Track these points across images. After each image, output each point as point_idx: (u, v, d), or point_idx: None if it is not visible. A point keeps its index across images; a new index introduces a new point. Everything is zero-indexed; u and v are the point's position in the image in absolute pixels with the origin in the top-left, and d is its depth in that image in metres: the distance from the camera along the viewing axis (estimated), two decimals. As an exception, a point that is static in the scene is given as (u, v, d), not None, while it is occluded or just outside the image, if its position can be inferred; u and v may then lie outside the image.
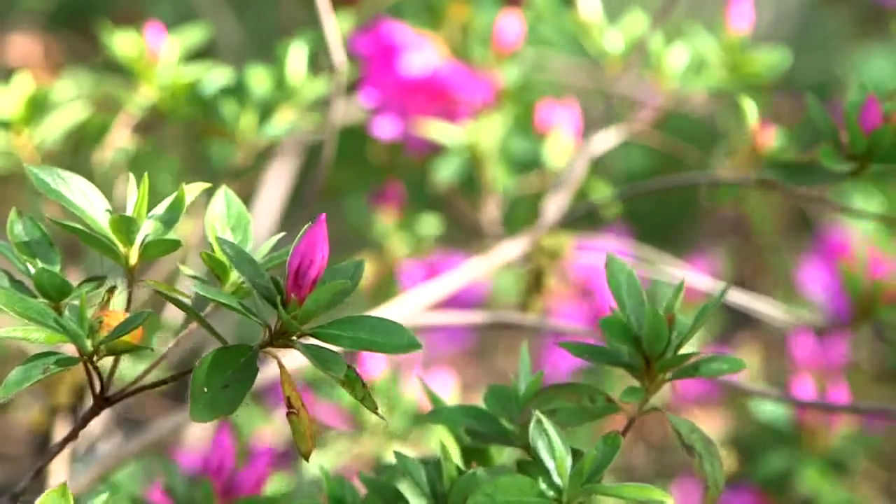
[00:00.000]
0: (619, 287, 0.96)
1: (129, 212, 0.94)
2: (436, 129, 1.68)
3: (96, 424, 1.64)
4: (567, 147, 1.70)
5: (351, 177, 1.90)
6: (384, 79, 1.74)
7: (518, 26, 1.71)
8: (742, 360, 0.95)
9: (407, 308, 1.49)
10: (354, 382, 0.88)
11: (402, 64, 1.72)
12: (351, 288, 0.89)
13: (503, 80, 1.72)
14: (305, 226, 0.88)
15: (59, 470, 1.49)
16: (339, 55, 1.47)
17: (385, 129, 1.74)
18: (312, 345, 0.88)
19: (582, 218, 1.58)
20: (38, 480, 0.99)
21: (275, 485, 1.50)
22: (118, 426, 1.69)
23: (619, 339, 0.95)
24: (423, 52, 1.73)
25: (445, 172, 1.69)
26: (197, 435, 1.77)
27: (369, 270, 1.80)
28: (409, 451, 1.51)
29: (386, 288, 1.80)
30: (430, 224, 1.81)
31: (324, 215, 0.88)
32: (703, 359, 0.95)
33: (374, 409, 0.88)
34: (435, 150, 1.72)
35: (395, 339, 0.88)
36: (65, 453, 1.50)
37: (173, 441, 1.70)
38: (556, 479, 0.91)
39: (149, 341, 0.94)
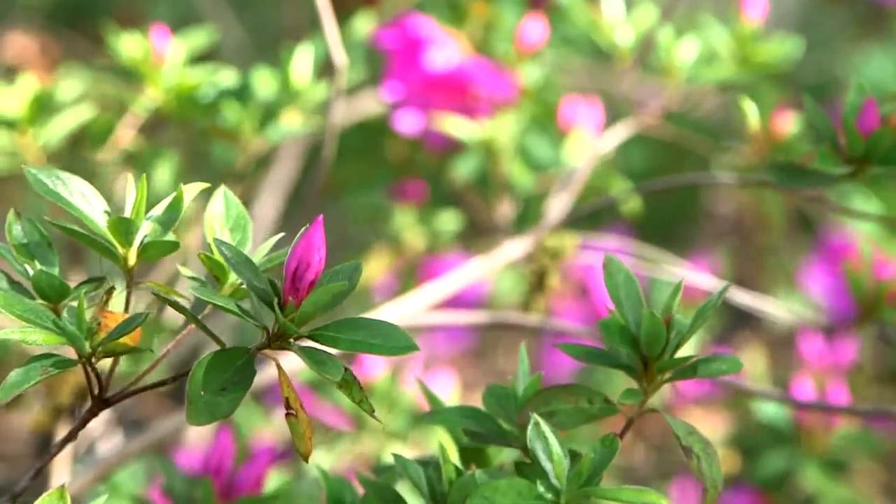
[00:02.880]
0: (616, 287, 0.96)
1: (128, 213, 0.94)
2: (453, 125, 1.68)
3: (97, 425, 1.64)
4: (588, 146, 1.70)
5: (365, 171, 1.90)
6: (408, 73, 1.74)
7: (541, 28, 1.71)
8: (740, 361, 0.95)
9: (409, 308, 1.49)
10: (351, 385, 0.88)
11: (426, 59, 1.72)
12: (348, 290, 0.88)
13: (524, 79, 1.72)
14: (303, 227, 0.88)
15: (60, 470, 1.49)
16: (339, 56, 1.47)
17: (407, 123, 1.74)
18: (309, 347, 0.88)
19: (584, 217, 1.58)
20: (39, 481, 0.99)
21: (275, 484, 1.50)
22: (118, 426, 1.69)
23: (617, 341, 0.95)
24: (447, 48, 1.73)
25: (464, 169, 1.69)
26: (197, 435, 1.77)
27: (384, 265, 1.81)
28: (409, 452, 1.51)
29: (406, 282, 1.80)
30: (448, 220, 1.81)
31: (321, 217, 0.88)
32: (701, 359, 0.95)
33: (371, 412, 0.88)
34: (454, 147, 1.73)
35: (393, 342, 0.88)
36: (66, 454, 1.50)
37: (174, 441, 1.70)
38: (554, 482, 0.91)
39: (148, 343, 0.94)
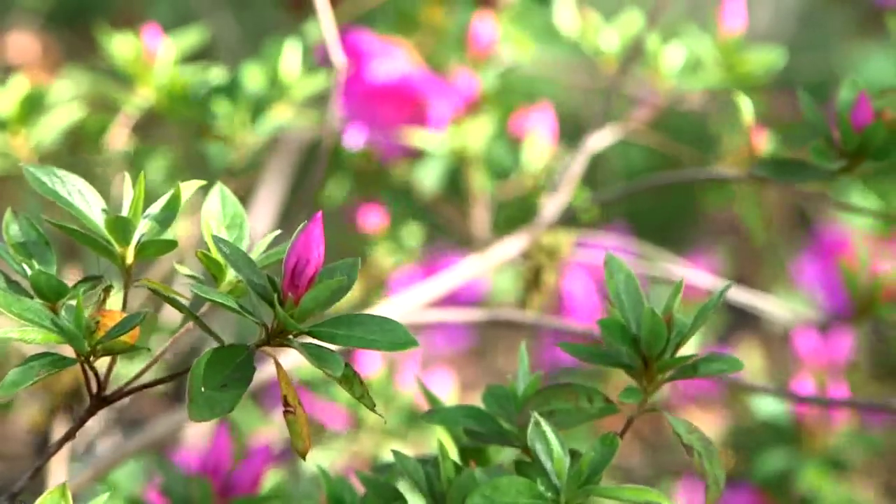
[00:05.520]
0: (617, 286, 0.95)
1: (125, 212, 0.94)
2: (418, 136, 1.67)
3: (95, 424, 1.63)
4: (545, 150, 1.69)
5: (330, 188, 1.90)
6: (352, 87, 1.74)
7: (492, 28, 1.71)
8: (740, 360, 0.95)
9: (405, 306, 1.49)
10: (352, 380, 0.88)
11: (368, 71, 1.72)
12: (348, 286, 0.88)
13: (481, 83, 1.72)
14: (301, 224, 0.88)
15: (57, 469, 1.49)
16: (337, 53, 1.47)
17: (354, 138, 1.73)
18: (309, 343, 0.88)
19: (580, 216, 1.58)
20: (37, 480, 0.99)
21: (273, 484, 1.50)
22: (117, 426, 1.69)
23: (617, 340, 0.95)
24: (390, 59, 1.72)
25: (429, 179, 1.68)
26: (196, 434, 1.76)
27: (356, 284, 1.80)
28: (408, 450, 1.51)
29: (373, 299, 1.79)
30: (414, 234, 1.80)
31: (319, 213, 0.88)
32: (702, 359, 0.95)
33: (372, 407, 0.88)
34: (411, 156, 1.72)
35: (392, 337, 0.88)
36: (64, 453, 1.50)
37: (172, 441, 1.70)
38: (555, 481, 0.90)
39: (145, 341, 0.94)
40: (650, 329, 0.93)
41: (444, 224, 1.80)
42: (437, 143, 1.67)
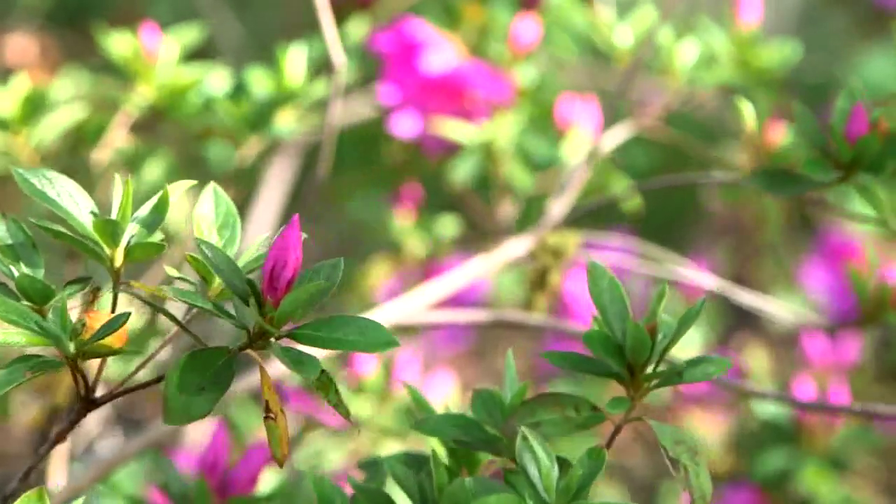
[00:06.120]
0: (600, 293, 0.95)
1: (114, 214, 0.94)
2: (452, 128, 1.68)
3: (96, 424, 1.63)
4: (586, 145, 1.69)
5: (363, 178, 1.90)
6: (404, 77, 1.74)
7: (534, 28, 1.71)
8: (728, 361, 0.94)
9: (409, 306, 1.49)
10: (328, 386, 0.88)
11: (422, 62, 1.72)
12: (328, 288, 0.88)
13: (520, 80, 1.72)
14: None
15: (57, 470, 1.49)
16: (337, 56, 1.47)
17: (405, 127, 1.73)
18: (287, 347, 0.88)
19: (586, 216, 1.57)
20: (36, 481, 0.99)
21: (274, 485, 1.50)
22: (117, 426, 1.69)
23: (601, 352, 0.94)
24: (443, 51, 1.72)
25: (462, 172, 1.68)
26: (196, 435, 1.76)
27: (385, 272, 1.80)
28: (406, 448, 1.50)
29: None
30: (448, 225, 1.80)
31: (296, 216, 0.88)
32: (687, 364, 0.94)
33: (347, 415, 0.88)
34: (452, 150, 1.72)
35: (372, 338, 0.87)
36: (64, 454, 1.50)
37: (172, 441, 1.70)
38: (544, 495, 0.90)
39: (144, 343, 0.94)
40: (634, 339, 0.93)
41: (472, 218, 1.80)
42: (471, 135, 1.67)
